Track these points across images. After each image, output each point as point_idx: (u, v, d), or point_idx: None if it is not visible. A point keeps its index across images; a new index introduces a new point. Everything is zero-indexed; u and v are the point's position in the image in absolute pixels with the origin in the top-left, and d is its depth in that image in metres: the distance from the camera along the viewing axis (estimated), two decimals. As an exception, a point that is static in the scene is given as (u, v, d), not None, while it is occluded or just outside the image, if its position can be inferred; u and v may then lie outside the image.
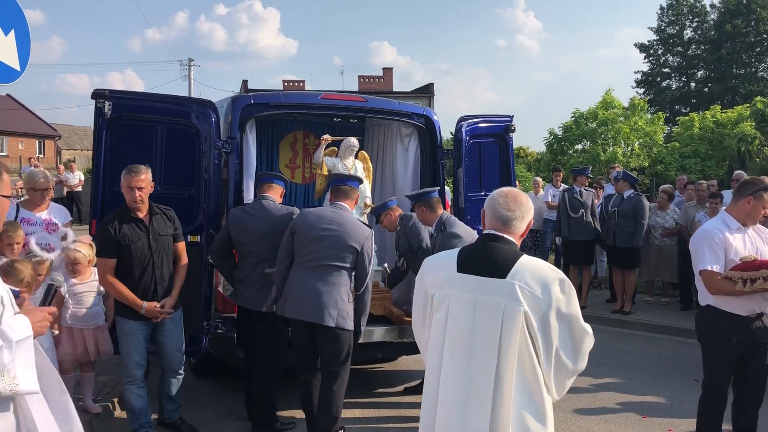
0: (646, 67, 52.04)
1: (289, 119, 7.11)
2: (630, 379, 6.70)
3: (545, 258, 11.98)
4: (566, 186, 10.46)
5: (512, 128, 6.66)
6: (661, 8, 51.36)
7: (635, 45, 52.56)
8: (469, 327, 2.53)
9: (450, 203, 6.84)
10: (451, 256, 2.73)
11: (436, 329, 2.65)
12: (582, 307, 9.24)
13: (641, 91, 51.53)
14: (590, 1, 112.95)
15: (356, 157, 6.67)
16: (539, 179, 12.51)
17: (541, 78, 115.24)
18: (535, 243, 11.90)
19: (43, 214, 5.17)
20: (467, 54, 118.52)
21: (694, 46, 50.57)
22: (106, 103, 5.22)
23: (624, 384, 6.55)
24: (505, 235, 2.65)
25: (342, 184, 4.95)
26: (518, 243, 2.71)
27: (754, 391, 4.45)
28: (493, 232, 2.67)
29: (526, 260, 2.58)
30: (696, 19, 50.45)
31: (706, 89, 49.04)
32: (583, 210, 9.31)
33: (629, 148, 27.45)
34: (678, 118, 31.53)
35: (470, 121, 6.39)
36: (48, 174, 5.37)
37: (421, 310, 2.83)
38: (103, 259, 4.59)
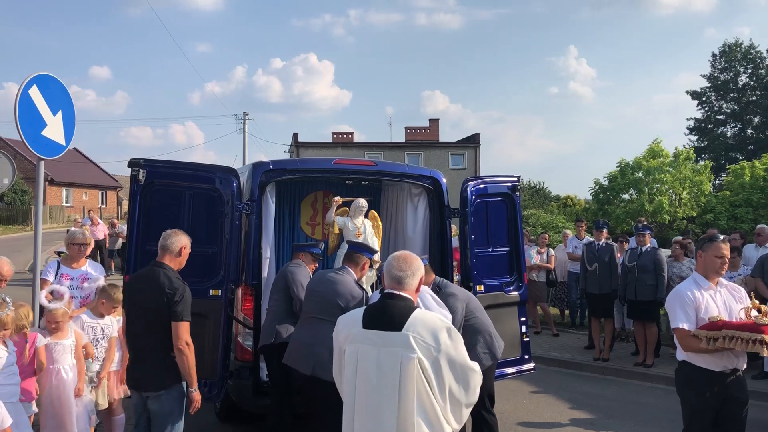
0: (699, 114, 51.51)
1: (309, 180, 7.67)
2: (632, 429, 6.82)
3: (573, 311, 12.13)
4: (589, 239, 10.67)
5: (518, 188, 7.06)
6: (714, 55, 51.03)
7: (687, 92, 52.14)
8: (375, 375, 3.00)
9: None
10: (358, 314, 3.22)
11: (349, 379, 3.12)
12: (605, 360, 9.43)
13: (694, 138, 50.94)
14: (643, 49, 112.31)
15: (366, 217, 7.15)
16: (569, 231, 12.73)
17: (596, 125, 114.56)
18: (560, 295, 12.08)
19: (80, 270, 5.80)
20: (520, 101, 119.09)
21: (749, 92, 49.84)
22: (141, 170, 5.86)
23: (629, 436, 6.68)
24: (401, 293, 3.14)
25: (354, 252, 5.49)
26: (414, 298, 3.19)
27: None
28: (390, 290, 3.17)
29: (418, 314, 3.05)
30: (750, 66, 49.83)
31: (762, 135, 48.09)
32: (596, 264, 9.53)
33: (677, 198, 27.22)
34: (728, 166, 31.06)
35: (476, 181, 6.82)
36: (86, 232, 6.01)
37: (337, 362, 3.30)
38: (187, 322, 4.37)
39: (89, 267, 5.92)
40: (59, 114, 5.38)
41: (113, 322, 5.49)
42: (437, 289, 5.59)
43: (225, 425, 6.77)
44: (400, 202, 7.57)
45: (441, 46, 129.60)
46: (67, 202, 51.34)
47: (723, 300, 4.61)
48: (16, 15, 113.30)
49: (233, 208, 5.89)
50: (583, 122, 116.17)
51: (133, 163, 5.90)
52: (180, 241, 4.61)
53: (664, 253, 10.25)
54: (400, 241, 7.50)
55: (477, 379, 3.06)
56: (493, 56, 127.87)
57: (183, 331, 4.32)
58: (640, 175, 27.36)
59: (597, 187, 28.93)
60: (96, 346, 5.45)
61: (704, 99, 51.08)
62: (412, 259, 3.22)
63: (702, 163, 29.50)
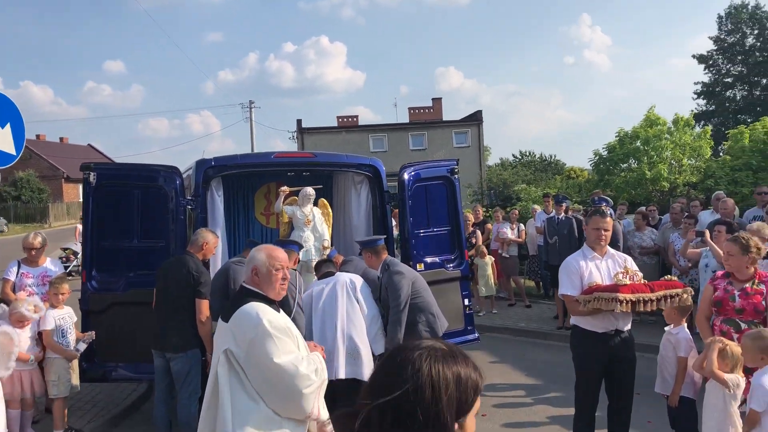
0: (707, 78, 50.93)
1: (262, 173, 8.09)
2: (570, 393, 7.21)
3: (546, 283, 12.50)
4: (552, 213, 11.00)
5: (456, 171, 7.44)
6: (720, 17, 50.29)
7: (693, 56, 51.54)
8: (213, 363, 3.26)
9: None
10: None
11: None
12: (567, 328, 9.79)
13: (702, 102, 50.48)
14: (657, 13, 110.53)
15: (316, 205, 7.58)
16: (537, 206, 13.06)
17: (614, 93, 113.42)
18: (533, 268, 12.45)
19: (41, 268, 6.34)
20: (535, 73, 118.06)
21: (756, 54, 49.10)
22: (91, 173, 6.37)
23: (563, 398, 7.08)
24: (252, 287, 3.31)
25: (282, 247, 5.91)
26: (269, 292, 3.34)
27: (622, 401, 5.05)
28: (244, 284, 3.38)
29: (244, 308, 3.18)
30: (757, 27, 49.06)
31: (771, 97, 47.46)
32: (557, 237, 9.90)
33: (676, 165, 27.21)
34: (728, 131, 30.87)
35: (413, 167, 7.22)
36: (40, 234, 6.50)
37: None
38: (207, 299, 5.51)
39: (50, 264, 6.46)
40: (7, 126, 5.86)
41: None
42: (386, 268, 6.03)
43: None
44: (346, 190, 7.97)
45: (452, 21, 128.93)
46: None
47: (608, 268, 5.01)
48: (30, 14, 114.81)
49: (177, 204, 6.39)
50: (601, 91, 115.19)
51: (84, 167, 6.42)
52: (203, 238, 5.71)
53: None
54: (348, 228, 7.93)
55: (290, 376, 3.12)
56: (505, 29, 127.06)
57: (204, 306, 5.47)
58: (639, 144, 27.40)
59: (597, 158, 29.02)
60: (67, 334, 5.97)
61: (711, 62, 50.44)
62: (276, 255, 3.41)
63: (701, 128, 29.39)
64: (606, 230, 5.03)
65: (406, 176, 7.08)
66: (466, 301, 7.43)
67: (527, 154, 57.71)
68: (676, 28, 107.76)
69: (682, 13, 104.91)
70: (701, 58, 50.65)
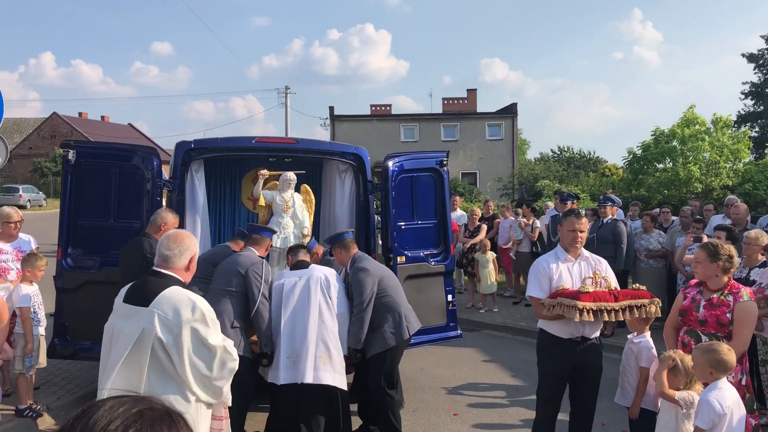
0: (756, 78, 49.14)
1: (250, 157, 8.00)
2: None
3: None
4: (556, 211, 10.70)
5: (445, 163, 7.23)
6: (773, 15, 48.48)
7: (743, 55, 49.77)
8: (120, 347, 3.10)
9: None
10: (125, 288, 3.33)
11: (104, 347, 3.25)
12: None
13: (750, 103, 48.78)
14: (712, 9, 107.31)
15: (298, 191, 7.43)
16: (550, 203, 12.73)
17: (664, 91, 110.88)
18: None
19: (14, 243, 6.37)
20: (583, 68, 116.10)
21: (811, 54, 47.20)
22: (71, 151, 6.37)
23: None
24: (165, 271, 3.25)
25: (254, 233, 5.86)
26: (185, 275, 3.30)
27: (584, 410, 4.83)
28: (155, 268, 3.30)
29: (169, 291, 3.11)
30: (812, 25, 47.16)
31: (824, 99, 45.61)
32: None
33: (713, 166, 26.35)
34: (771, 133, 29.85)
35: (398, 157, 7.03)
36: (18, 210, 6.54)
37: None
38: None
39: (21, 242, 6.51)
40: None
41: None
42: (353, 263, 5.85)
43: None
44: (332, 177, 7.79)
45: (500, 12, 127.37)
46: (121, 177, 53.35)
47: (580, 270, 4.79)
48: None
49: (154, 186, 6.34)
50: (648, 88, 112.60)
51: (64, 145, 6.43)
52: (162, 218, 5.72)
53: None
54: (332, 217, 7.76)
55: (222, 355, 3.12)
56: (554, 22, 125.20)
57: None
58: (675, 143, 26.63)
59: (631, 156, 28.31)
60: (38, 311, 6.04)
61: (761, 62, 48.64)
62: (182, 239, 3.31)
63: (742, 130, 28.44)
64: (582, 232, 4.81)
65: (390, 166, 6.89)
66: (450, 297, 7.22)
67: (566, 149, 56.73)
68: (728, 25, 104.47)
69: (736, 10, 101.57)
70: (751, 57, 48.90)
